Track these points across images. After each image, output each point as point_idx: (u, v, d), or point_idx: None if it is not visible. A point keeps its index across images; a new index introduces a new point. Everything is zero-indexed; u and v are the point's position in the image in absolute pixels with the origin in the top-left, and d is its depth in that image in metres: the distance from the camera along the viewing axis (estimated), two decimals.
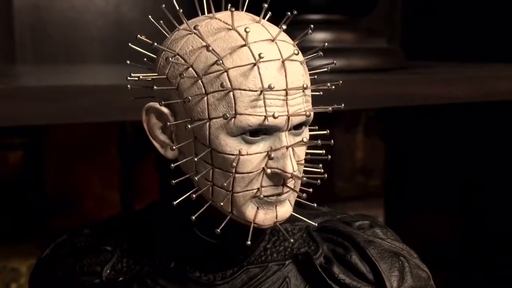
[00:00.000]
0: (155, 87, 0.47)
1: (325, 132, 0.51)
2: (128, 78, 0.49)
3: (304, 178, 0.48)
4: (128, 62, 0.53)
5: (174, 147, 0.48)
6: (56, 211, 1.10)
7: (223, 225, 0.47)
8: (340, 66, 0.83)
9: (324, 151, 0.51)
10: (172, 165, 0.48)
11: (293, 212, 0.51)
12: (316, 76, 0.51)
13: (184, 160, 0.48)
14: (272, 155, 0.46)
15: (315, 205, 0.51)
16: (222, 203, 0.47)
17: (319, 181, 0.49)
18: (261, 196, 0.47)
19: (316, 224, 0.53)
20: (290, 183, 0.47)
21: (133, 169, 1.13)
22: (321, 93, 0.51)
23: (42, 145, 1.08)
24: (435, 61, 1.14)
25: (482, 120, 1.13)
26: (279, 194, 0.47)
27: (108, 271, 0.55)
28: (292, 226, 0.56)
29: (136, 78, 0.49)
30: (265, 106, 0.45)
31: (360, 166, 1.27)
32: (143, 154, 1.12)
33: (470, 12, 1.16)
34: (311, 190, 0.50)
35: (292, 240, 0.55)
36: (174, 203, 0.48)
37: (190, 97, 0.46)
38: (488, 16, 1.12)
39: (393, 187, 1.29)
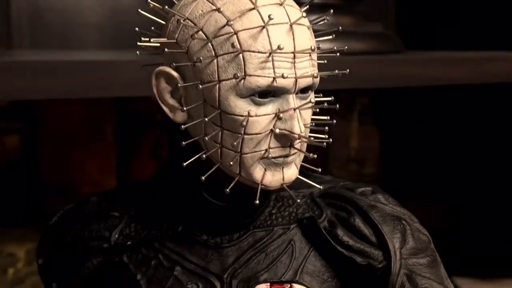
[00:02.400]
0: (166, 50, 0.48)
1: (330, 98, 0.52)
2: (138, 43, 0.50)
3: (312, 138, 0.49)
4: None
5: (184, 108, 0.49)
6: (53, 196, 1.10)
7: (232, 185, 0.48)
8: (337, 49, 0.84)
9: (328, 117, 0.53)
10: (182, 127, 0.49)
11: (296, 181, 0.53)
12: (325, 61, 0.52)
13: (193, 123, 0.49)
14: (281, 115, 0.47)
15: (320, 170, 0.52)
16: (230, 164, 0.48)
17: (324, 144, 0.50)
18: (270, 156, 0.48)
19: (321, 187, 0.54)
20: (297, 145, 0.49)
21: (129, 155, 1.13)
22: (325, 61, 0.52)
23: (38, 130, 1.08)
24: (429, 50, 1.16)
25: (478, 106, 1.15)
26: (286, 156, 0.49)
27: (116, 236, 0.56)
28: (296, 193, 0.57)
29: (146, 44, 0.50)
30: (273, 68, 0.46)
31: (355, 154, 1.28)
32: (140, 140, 1.13)
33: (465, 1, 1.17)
34: (315, 155, 0.51)
35: (298, 201, 0.56)
36: (184, 164, 0.49)
37: (201, 58, 0.47)
38: (484, 4, 1.14)
39: (387, 175, 1.30)
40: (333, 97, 0.53)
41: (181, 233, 0.55)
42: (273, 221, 0.55)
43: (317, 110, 0.52)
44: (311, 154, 0.49)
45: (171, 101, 0.50)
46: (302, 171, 0.52)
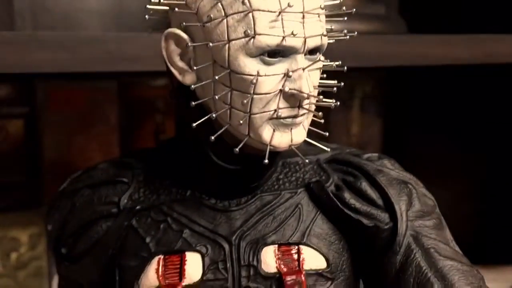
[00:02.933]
0: (176, 9, 0.49)
1: (338, 62, 0.53)
2: (148, 6, 0.51)
3: (321, 96, 0.49)
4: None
5: (194, 67, 0.49)
6: (55, 181, 1.10)
7: (241, 145, 0.49)
8: (341, 30, 0.84)
9: (336, 81, 0.53)
10: (192, 87, 0.49)
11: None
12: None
13: (203, 83, 0.49)
14: (290, 74, 0.47)
15: (327, 134, 0.52)
16: (240, 125, 0.48)
17: (333, 105, 0.50)
18: (279, 115, 0.48)
19: (328, 149, 0.54)
20: (306, 105, 0.49)
21: (131, 140, 1.13)
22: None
23: (41, 115, 1.08)
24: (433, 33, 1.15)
25: (481, 87, 1.14)
26: (295, 116, 0.49)
27: (125, 201, 0.56)
28: (302, 160, 0.57)
29: (155, 7, 0.50)
30: (283, 27, 0.47)
31: (356, 141, 1.28)
32: (142, 125, 1.13)
33: None
34: (323, 120, 0.52)
35: (306, 161, 0.56)
36: (194, 124, 0.49)
37: (211, 17, 0.47)
38: None
39: None
40: (340, 61, 0.53)
41: (190, 197, 0.55)
42: (280, 186, 0.55)
43: (325, 75, 0.53)
44: (320, 113, 0.49)
45: (180, 64, 0.51)
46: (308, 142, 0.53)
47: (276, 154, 0.53)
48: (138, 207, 0.55)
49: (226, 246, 0.53)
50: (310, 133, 0.56)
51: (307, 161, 0.56)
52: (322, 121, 0.51)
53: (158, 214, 0.55)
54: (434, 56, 0.84)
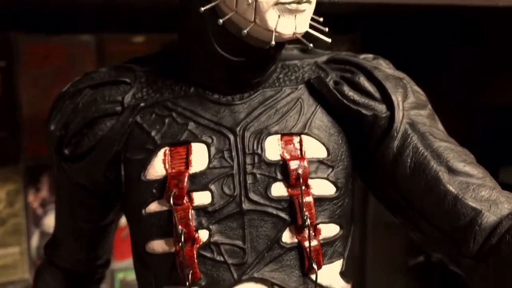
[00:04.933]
0: None
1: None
2: None
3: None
4: None
5: None
6: (33, 137, 1.10)
7: (247, 29, 0.50)
8: None
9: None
10: None
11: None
12: None
13: None
14: None
15: (326, 29, 0.55)
16: (246, 10, 0.50)
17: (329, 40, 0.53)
18: (283, 1, 0.50)
19: (329, 40, 0.56)
20: None
21: None
22: None
23: (19, 70, 1.07)
24: None
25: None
26: (299, 2, 0.51)
27: (129, 99, 0.57)
28: (301, 62, 0.59)
29: None
30: None
31: None
32: None
33: None
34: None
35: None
36: (202, 9, 0.51)
37: None
38: None
39: None
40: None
41: (193, 93, 0.57)
42: (281, 83, 0.58)
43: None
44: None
45: None
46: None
47: (278, 48, 0.55)
48: (142, 104, 0.56)
49: (231, 136, 0.55)
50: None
51: (314, 64, 0.59)
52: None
53: (162, 110, 0.56)
54: None
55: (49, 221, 1.13)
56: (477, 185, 0.53)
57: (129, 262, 1.17)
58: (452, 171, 0.53)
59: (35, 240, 1.13)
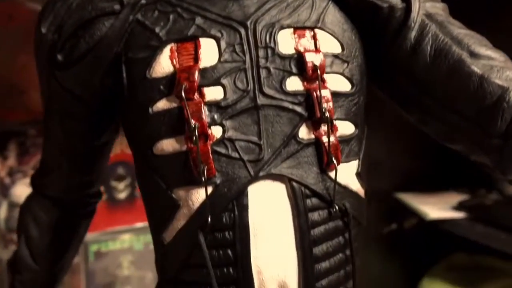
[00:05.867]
0: None
1: None
2: None
3: None
4: None
5: None
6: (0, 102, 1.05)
7: None
8: None
9: None
10: None
11: None
12: None
13: None
14: None
15: None
16: None
17: None
18: None
19: None
20: None
21: None
22: None
23: None
24: None
25: None
26: None
27: None
28: None
29: None
30: None
31: None
32: None
33: None
34: None
35: None
36: None
37: None
38: None
39: None
40: None
41: None
42: None
43: None
44: None
45: None
46: None
47: None
48: (143, 1, 0.53)
49: (242, 30, 0.52)
50: None
51: None
52: None
53: (165, 7, 0.53)
54: None
55: (18, 191, 1.08)
56: (500, 67, 0.53)
57: (102, 234, 1.13)
58: (474, 55, 0.53)
59: (3, 212, 1.07)
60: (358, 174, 0.55)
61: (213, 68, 0.51)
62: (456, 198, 1.29)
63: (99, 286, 1.15)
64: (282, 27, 0.53)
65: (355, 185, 0.55)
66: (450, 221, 1.21)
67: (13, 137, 1.06)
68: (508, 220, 1.15)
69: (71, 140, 0.59)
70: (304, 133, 0.52)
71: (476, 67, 0.52)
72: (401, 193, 1.35)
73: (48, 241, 0.64)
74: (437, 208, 1.26)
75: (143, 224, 1.17)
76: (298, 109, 0.52)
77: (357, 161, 0.55)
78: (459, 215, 1.22)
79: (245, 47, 0.52)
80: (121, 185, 1.14)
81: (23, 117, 1.07)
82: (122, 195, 1.15)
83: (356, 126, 0.54)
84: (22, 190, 1.07)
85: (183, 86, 0.50)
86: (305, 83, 0.52)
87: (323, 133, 0.52)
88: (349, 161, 0.54)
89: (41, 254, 0.64)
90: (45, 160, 0.63)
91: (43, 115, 0.61)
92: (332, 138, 0.52)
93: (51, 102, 0.59)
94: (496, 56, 0.53)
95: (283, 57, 0.52)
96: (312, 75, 0.51)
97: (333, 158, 0.51)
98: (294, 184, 0.51)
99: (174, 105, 0.51)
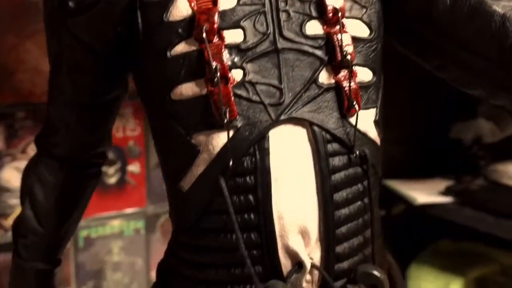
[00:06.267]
0: None
1: None
2: None
3: None
4: None
5: None
6: None
7: None
8: None
9: None
10: None
11: None
12: None
13: None
14: None
15: None
16: None
17: None
18: None
19: None
20: None
21: None
22: None
23: None
24: None
25: None
26: None
27: None
28: None
29: None
30: None
31: None
32: None
33: None
34: None
35: None
36: None
37: None
38: None
39: None
40: None
41: None
42: None
43: None
44: None
45: None
46: None
47: None
48: None
49: None
50: None
51: None
52: None
53: None
54: None
55: (7, 175, 1.05)
56: None
57: (92, 219, 1.11)
58: None
59: None
60: (376, 122, 0.55)
61: (232, 10, 0.50)
62: (443, 184, 1.30)
63: (89, 272, 1.12)
64: None
65: (373, 133, 0.54)
66: (438, 206, 1.22)
67: (1, 120, 1.04)
68: (493, 204, 1.17)
69: (81, 94, 0.58)
70: (324, 77, 0.52)
71: (498, 7, 0.52)
72: (388, 180, 1.35)
73: (54, 202, 0.62)
74: (425, 194, 1.26)
75: (133, 209, 1.16)
76: (318, 53, 0.51)
77: (375, 109, 0.55)
78: (446, 199, 1.23)
79: None
80: (111, 170, 1.12)
81: (11, 100, 1.05)
82: (112, 180, 1.12)
83: (374, 73, 0.54)
84: (10, 174, 1.04)
85: (204, 28, 0.49)
86: (325, 26, 0.52)
87: (342, 78, 0.51)
88: (367, 108, 0.54)
89: (47, 216, 0.62)
90: (50, 122, 0.61)
91: (49, 75, 0.60)
92: (352, 83, 0.51)
93: (60, 58, 0.58)
94: None
95: (302, 1, 0.52)
96: (332, 19, 0.51)
97: (354, 102, 0.51)
98: (315, 128, 0.51)
99: (194, 48, 0.50)
